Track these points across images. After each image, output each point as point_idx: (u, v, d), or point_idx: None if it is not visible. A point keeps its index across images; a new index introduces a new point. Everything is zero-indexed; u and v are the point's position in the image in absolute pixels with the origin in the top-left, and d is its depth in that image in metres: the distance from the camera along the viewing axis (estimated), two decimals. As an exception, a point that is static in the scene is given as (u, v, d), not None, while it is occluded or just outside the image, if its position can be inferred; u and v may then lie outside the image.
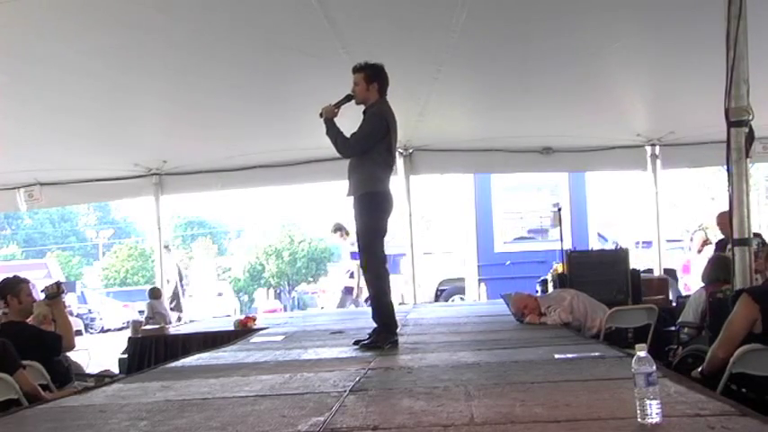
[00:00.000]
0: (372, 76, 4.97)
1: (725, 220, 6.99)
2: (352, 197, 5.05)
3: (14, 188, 9.81)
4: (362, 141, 4.94)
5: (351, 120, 5.06)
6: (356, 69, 4.99)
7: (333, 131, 4.98)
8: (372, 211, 4.96)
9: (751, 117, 4.38)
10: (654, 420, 2.16)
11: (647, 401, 2.16)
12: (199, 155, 9.43)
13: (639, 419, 2.18)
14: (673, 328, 5.86)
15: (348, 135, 4.99)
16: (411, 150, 9.55)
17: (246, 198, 41.96)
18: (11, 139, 7.98)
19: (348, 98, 5.03)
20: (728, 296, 4.46)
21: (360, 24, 5.83)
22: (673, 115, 8.60)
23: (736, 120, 4.37)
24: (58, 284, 5.06)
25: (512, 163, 9.92)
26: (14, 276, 4.70)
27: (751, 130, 4.40)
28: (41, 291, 5.02)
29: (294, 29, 5.82)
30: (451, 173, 13.78)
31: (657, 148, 9.48)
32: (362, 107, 5.07)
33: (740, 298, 3.56)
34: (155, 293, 9.90)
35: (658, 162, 9.52)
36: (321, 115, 4.99)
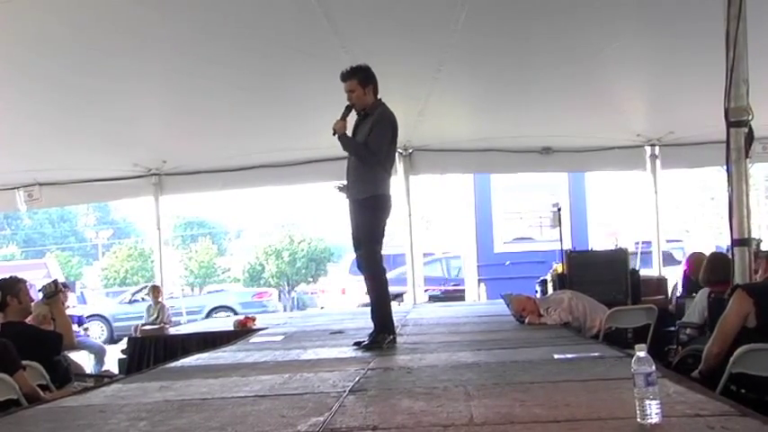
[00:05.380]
0: (365, 80, 4.91)
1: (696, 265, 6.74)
2: (351, 199, 5.02)
3: (14, 188, 9.81)
4: (383, 147, 4.92)
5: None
6: (347, 77, 4.90)
7: (351, 144, 4.95)
8: (377, 213, 4.95)
9: (750, 117, 4.38)
10: (653, 420, 2.16)
11: (647, 401, 2.16)
12: (198, 155, 9.43)
13: (639, 419, 2.18)
14: (672, 329, 5.86)
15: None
16: (411, 150, 9.55)
17: (246, 198, 41.91)
18: (10, 140, 7.97)
19: (348, 109, 4.99)
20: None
21: (360, 24, 5.82)
22: (672, 115, 8.60)
23: (736, 120, 4.37)
24: (55, 283, 5.05)
25: (512, 163, 9.92)
26: (11, 277, 4.67)
27: (750, 131, 4.40)
28: (39, 290, 5.00)
29: (294, 28, 5.82)
30: (451, 173, 13.80)
31: (657, 148, 9.49)
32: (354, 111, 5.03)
33: (735, 293, 3.58)
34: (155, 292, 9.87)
35: (658, 162, 9.53)
36: (334, 133, 4.93)
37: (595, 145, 9.45)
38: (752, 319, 3.42)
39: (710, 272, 5.19)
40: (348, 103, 4.97)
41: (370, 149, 4.89)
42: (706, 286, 5.22)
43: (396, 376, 3.72)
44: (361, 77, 4.90)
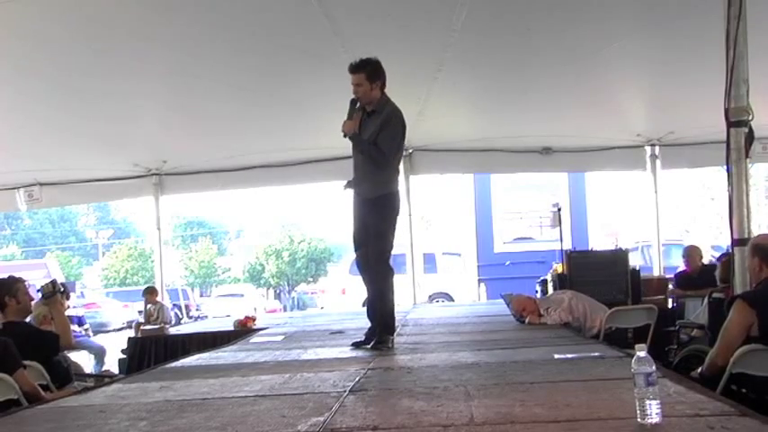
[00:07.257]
0: (373, 74, 4.75)
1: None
2: (360, 197, 4.96)
3: (14, 188, 9.81)
4: (393, 148, 4.83)
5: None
6: (355, 69, 4.74)
7: (363, 146, 4.81)
8: (388, 211, 4.89)
9: (751, 117, 4.37)
10: (653, 420, 2.16)
11: (647, 401, 2.16)
12: (199, 155, 9.43)
13: (639, 419, 2.18)
14: (673, 329, 5.86)
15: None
16: (411, 150, 9.54)
17: (246, 198, 42.01)
18: (10, 140, 7.98)
19: (353, 104, 4.86)
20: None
21: (360, 24, 5.83)
22: (672, 115, 8.60)
23: (736, 120, 4.36)
24: (53, 283, 5.03)
25: (512, 163, 9.93)
26: (9, 276, 4.66)
27: (751, 131, 4.40)
28: (37, 291, 5.00)
29: (294, 28, 5.82)
30: (451, 173, 13.81)
31: (657, 148, 9.49)
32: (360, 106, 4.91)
33: (735, 304, 3.54)
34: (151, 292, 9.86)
35: (658, 162, 9.53)
36: (345, 135, 4.82)
37: (595, 145, 9.45)
38: (754, 329, 3.41)
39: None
40: (353, 96, 4.82)
41: (381, 151, 4.78)
42: (722, 285, 5.09)
43: (396, 376, 3.72)
44: (369, 72, 4.74)
